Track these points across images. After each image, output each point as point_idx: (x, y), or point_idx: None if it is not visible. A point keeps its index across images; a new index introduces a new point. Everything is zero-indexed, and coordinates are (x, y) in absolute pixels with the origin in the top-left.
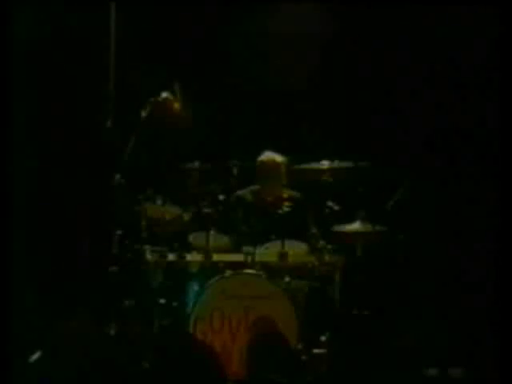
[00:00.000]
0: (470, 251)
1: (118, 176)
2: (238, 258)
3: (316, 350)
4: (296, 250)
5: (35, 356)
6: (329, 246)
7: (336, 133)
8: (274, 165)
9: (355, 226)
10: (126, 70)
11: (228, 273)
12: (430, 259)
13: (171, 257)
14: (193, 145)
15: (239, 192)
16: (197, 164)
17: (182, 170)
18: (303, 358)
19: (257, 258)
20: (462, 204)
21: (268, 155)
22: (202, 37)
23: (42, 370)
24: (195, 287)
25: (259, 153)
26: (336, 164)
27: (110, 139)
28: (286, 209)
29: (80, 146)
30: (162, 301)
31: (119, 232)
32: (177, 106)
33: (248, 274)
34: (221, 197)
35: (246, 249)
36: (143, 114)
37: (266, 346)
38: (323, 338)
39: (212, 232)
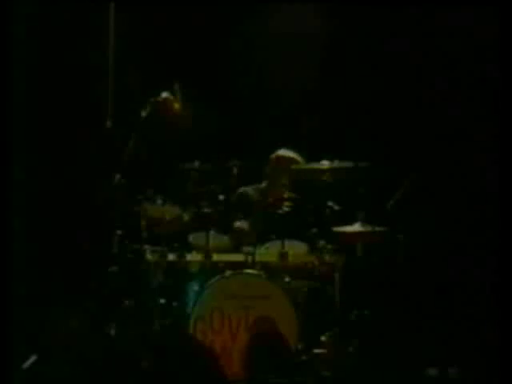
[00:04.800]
0: (470, 251)
1: (117, 176)
2: (237, 257)
3: (316, 350)
4: (296, 249)
5: (30, 360)
6: (329, 246)
7: (336, 133)
8: (292, 161)
9: (355, 227)
10: (125, 70)
11: (228, 273)
12: (430, 259)
13: (171, 257)
14: (193, 145)
15: (242, 189)
16: (197, 164)
17: (182, 170)
18: (303, 357)
19: (257, 258)
20: (462, 203)
21: (286, 151)
22: (202, 37)
23: (41, 370)
24: (195, 287)
25: (259, 152)
26: (336, 164)
27: (110, 139)
28: (285, 209)
29: (80, 146)
30: (162, 301)
31: (119, 232)
32: (177, 106)
33: (248, 273)
34: (221, 197)
35: (245, 249)
36: (143, 113)
37: (265, 347)
38: (323, 338)
39: (212, 232)
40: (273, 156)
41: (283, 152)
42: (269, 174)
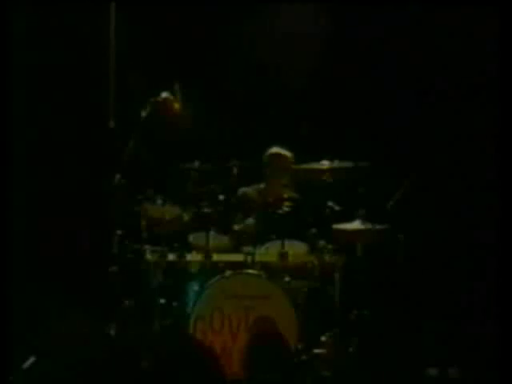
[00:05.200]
0: (469, 251)
1: (118, 176)
2: (237, 257)
3: (316, 350)
4: (296, 249)
5: (29, 362)
6: (329, 246)
7: (336, 133)
8: (283, 158)
9: (355, 224)
10: (126, 69)
11: (228, 273)
12: (430, 259)
13: (171, 257)
14: (193, 145)
15: (244, 189)
16: (197, 164)
17: (182, 170)
18: (303, 357)
19: (257, 258)
20: (462, 203)
21: (277, 149)
22: (202, 37)
23: (41, 370)
24: (195, 287)
25: (259, 152)
26: (336, 164)
27: (112, 139)
28: (285, 209)
29: (80, 146)
30: (162, 301)
31: (119, 232)
32: (177, 106)
33: (248, 273)
34: (221, 197)
35: (245, 249)
36: (143, 114)
37: (265, 347)
38: (323, 338)
39: (212, 232)
40: (265, 155)
41: (275, 150)
42: (265, 173)
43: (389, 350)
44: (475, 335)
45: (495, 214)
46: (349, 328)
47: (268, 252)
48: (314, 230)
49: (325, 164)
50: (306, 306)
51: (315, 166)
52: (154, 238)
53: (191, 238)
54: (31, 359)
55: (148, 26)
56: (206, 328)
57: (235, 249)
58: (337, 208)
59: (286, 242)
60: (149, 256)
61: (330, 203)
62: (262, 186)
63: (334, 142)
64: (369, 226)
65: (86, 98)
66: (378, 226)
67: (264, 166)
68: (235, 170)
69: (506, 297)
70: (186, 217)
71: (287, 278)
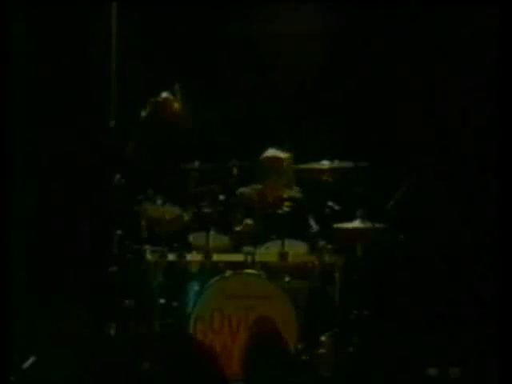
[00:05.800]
0: (469, 251)
1: (117, 176)
2: (237, 257)
3: (316, 350)
4: (296, 249)
5: (29, 361)
6: (329, 246)
7: (336, 133)
8: (277, 161)
9: (355, 223)
10: (126, 70)
11: (228, 273)
12: (430, 259)
13: (171, 257)
14: (193, 145)
15: (242, 189)
16: (197, 164)
17: (182, 170)
18: (303, 357)
19: (257, 258)
20: (462, 204)
21: (272, 152)
22: (203, 37)
23: (41, 370)
24: (195, 287)
25: (260, 152)
26: (336, 164)
27: (112, 139)
28: (285, 209)
29: (80, 146)
30: (162, 301)
31: (119, 232)
32: (177, 106)
33: (248, 273)
34: (221, 197)
35: (245, 249)
36: (143, 113)
37: (265, 347)
38: (323, 338)
39: (212, 232)
40: (261, 158)
41: (270, 152)
42: (261, 175)
43: (389, 349)
44: (475, 335)
45: (496, 214)
46: (349, 328)
47: (268, 252)
48: (314, 230)
49: (325, 164)
50: (306, 306)
51: (315, 165)
52: (154, 237)
53: (191, 238)
54: (31, 359)
55: (148, 25)
56: (206, 328)
57: (235, 249)
58: (337, 208)
59: (286, 242)
60: (149, 256)
61: (330, 203)
62: (259, 186)
63: (334, 141)
64: (369, 224)
65: (86, 97)
66: (377, 225)
67: (259, 169)
68: (235, 170)
69: (506, 297)
70: (186, 217)
71: (287, 278)
